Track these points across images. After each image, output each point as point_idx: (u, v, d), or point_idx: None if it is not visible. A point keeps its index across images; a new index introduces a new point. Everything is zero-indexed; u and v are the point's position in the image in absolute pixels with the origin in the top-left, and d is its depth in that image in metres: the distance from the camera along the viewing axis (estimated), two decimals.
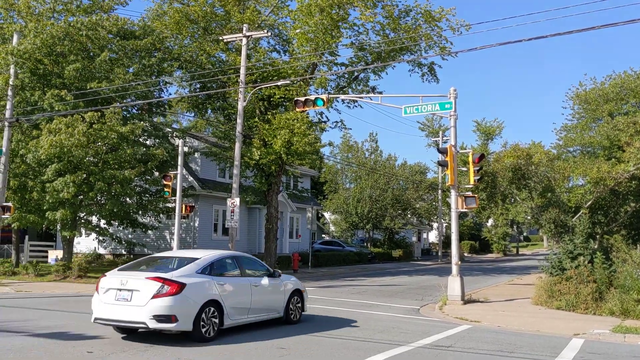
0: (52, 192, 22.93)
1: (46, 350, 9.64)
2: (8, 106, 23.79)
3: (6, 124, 23.56)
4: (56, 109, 23.44)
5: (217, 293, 10.87)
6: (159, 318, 10.02)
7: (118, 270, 11.36)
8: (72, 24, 24.76)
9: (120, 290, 10.36)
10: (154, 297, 10.04)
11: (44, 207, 23.82)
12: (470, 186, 19.90)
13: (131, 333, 11.12)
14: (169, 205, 26.95)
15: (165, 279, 10.22)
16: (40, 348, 9.77)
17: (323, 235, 56.75)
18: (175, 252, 14.23)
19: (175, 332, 10.56)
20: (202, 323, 10.42)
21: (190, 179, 32.38)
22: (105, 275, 10.90)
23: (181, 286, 10.22)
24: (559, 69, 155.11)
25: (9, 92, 23.84)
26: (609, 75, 41.34)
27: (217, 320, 10.78)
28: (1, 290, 19.50)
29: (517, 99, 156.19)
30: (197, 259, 11.26)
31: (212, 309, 10.68)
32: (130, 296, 10.21)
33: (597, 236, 32.09)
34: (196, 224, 33.00)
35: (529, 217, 44.39)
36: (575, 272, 18.06)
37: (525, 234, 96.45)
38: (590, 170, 29.44)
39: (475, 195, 19.57)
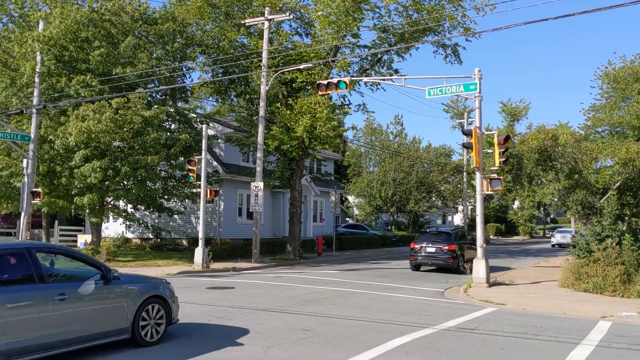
0: (79, 177, 23.27)
1: None
2: (35, 93, 24.06)
3: (34, 110, 23.91)
4: (82, 95, 23.71)
5: None
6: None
7: (556, 232, 50.10)
8: (95, 10, 24.94)
9: (560, 237, 47.33)
10: (572, 237, 36.26)
11: (72, 192, 24.17)
12: (496, 168, 19.63)
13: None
14: (194, 190, 27.17)
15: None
16: None
17: (347, 219, 56.79)
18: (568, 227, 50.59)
19: None
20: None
21: (215, 163, 32.60)
22: (555, 232, 50.55)
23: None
24: (587, 47, 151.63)
25: (36, 79, 24.15)
26: (639, 53, 40.23)
27: None
28: None
29: (544, 78, 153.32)
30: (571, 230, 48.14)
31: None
32: (564, 238, 45.77)
33: (626, 218, 31.58)
34: (221, 209, 33.27)
35: (555, 199, 43.78)
36: (603, 254, 17.80)
37: (552, 216, 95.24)
38: (618, 151, 28.88)
39: (501, 177, 19.33)
